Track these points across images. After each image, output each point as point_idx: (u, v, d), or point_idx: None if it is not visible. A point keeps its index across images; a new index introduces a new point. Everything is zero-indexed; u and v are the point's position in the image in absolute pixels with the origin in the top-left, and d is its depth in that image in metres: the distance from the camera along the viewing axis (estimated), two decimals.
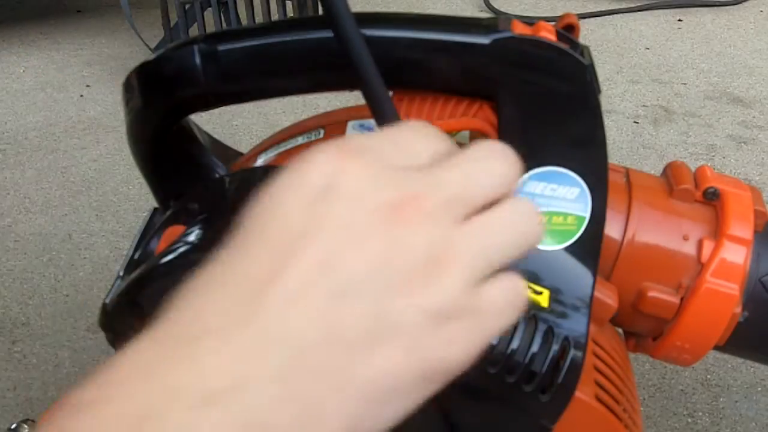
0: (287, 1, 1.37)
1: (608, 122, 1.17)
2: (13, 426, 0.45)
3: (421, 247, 0.24)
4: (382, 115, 0.35)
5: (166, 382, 0.22)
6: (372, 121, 0.42)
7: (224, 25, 1.36)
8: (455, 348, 0.24)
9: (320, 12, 0.35)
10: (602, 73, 1.40)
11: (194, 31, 1.37)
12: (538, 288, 0.38)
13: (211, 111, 0.45)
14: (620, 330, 0.49)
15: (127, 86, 0.45)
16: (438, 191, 0.25)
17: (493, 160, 0.27)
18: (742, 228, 0.44)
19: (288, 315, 0.23)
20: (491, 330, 0.25)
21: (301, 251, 0.23)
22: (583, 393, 0.39)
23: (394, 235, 0.24)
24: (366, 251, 0.24)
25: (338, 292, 0.23)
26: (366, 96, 0.35)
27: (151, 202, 0.49)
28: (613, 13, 1.71)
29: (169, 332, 0.24)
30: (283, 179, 0.26)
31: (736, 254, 0.44)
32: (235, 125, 1.26)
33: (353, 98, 0.39)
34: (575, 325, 0.38)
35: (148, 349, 0.24)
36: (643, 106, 1.32)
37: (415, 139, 0.27)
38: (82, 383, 0.23)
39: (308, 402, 0.22)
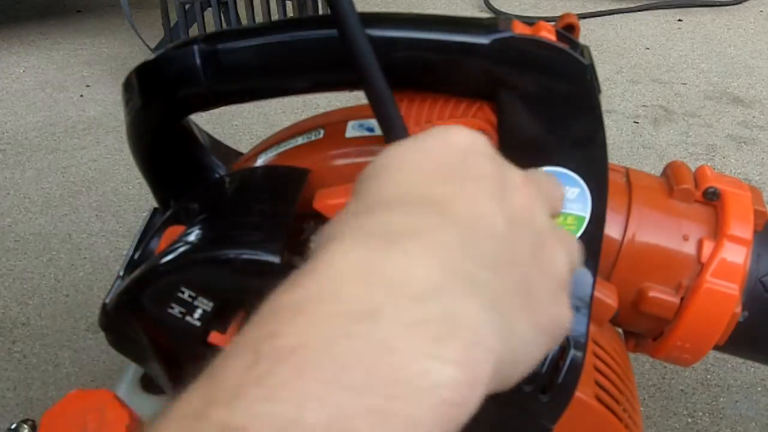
0: (287, 1, 1.37)
1: (608, 122, 1.17)
2: (13, 426, 0.45)
3: (543, 218, 0.28)
4: (385, 116, 0.35)
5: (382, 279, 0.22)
6: (372, 121, 0.42)
7: (224, 25, 1.36)
8: (568, 311, 0.28)
9: (320, 12, 0.35)
10: (602, 73, 1.40)
11: (194, 31, 1.37)
12: None
13: (211, 111, 0.45)
14: (620, 330, 0.49)
15: (127, 86, 0.45)
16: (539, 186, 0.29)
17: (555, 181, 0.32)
18: (742, 228, 0.44)
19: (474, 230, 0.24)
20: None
21: (469, 180, 0.26)
22: (583, 393, 0.39)
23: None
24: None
25: (514, 222, 0.26)
26: (369, 97, 0.35)
27: (151, 202, 0.49)
28: (613, 13, 1.71)
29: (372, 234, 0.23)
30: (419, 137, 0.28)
31: (736, 254, 0.44)
32: (235, 125, 1.26)
33: (353, 98, 0.39)
34: (575, 325, 0.38)
35: (352, 248, 0.23)
36: (643, 106, 1.32)
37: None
38: (282, 287, 0.22)
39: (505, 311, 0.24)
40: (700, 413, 0.75)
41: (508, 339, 0.23)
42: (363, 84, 0.36)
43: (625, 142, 1.21)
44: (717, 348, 0.47)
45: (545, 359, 0.37)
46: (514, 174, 0.28)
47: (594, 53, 0.40)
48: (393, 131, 0.35)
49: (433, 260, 0.22)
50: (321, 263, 0.22)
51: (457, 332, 0.21)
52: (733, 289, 0.44)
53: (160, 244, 0.43)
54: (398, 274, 0.22)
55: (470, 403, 0.21)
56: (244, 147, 0.52)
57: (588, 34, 1.59)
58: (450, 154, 0.26)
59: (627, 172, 0.48)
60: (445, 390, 0.20)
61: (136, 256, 0.45)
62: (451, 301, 0.22)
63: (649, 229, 0.45)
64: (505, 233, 0.25)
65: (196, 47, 0.41)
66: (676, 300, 0.44)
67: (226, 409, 0.19)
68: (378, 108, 0.35)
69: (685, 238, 0.45)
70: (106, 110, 1.34)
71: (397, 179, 0.26)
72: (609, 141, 0.40)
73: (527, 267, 0.26)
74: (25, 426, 0.45)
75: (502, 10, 1.75)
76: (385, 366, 0.20)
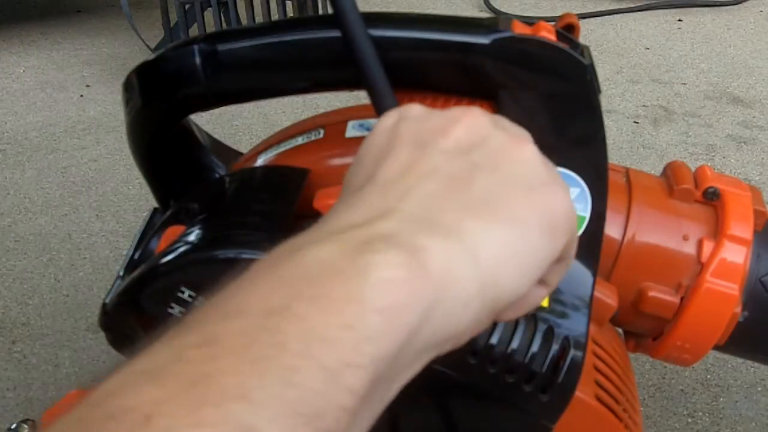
0: (287, 1, 1.37)
1: (608, 122, 1.17)
2: (13, 426, 0.45)
3: (497, 131, 0.29)
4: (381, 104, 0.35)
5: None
6: (372, 121, 0.42)
7: (224, 25, 1.36)
8: (562, 194, 0.28)
9: (320, 12, 0.36)
10: (602, 73, 1.40)
11: (194, 31, 1.37)
12: None
13: (211, 111, 0.45)
14: (620, 330, 0.49)
15: (127, 86, 0.45)
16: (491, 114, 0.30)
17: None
18: (741, 228, 0.44)
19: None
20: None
21: (395, 150, 0.28)
22: (583, 393, 0.39)
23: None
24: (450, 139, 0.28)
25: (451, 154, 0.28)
26: (371, 96, 0.35)
27: (151, 202, 0.49)
28: (613, 13, 1.71)
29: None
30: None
31: (736, 254, 0.44)
32: (235, 125, 1.26)
33: (353, 98, 0.39)
34: (575, 324, 0.38)
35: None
36: (643, 106, 1.32)
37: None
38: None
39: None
40: (700, 413, 0.75)
41: (478, 248, 0.25)
42: (364, 82, 0.36)
43: (625, 142, 1.21)
44: (717, 348, 0.47)
45: (545, 359, 0.37)
46: (440, 118, 0.29)
47: (594, 53, 0.40)
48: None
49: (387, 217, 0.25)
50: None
51: (395, 246, 0.23)
52: (733, 289, 0.44)
53: (160, 244, 0.43)
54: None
55: (418, 301, 0.23)
56: (244, 147, 0.52)
57: (588, 34, 1.59)
58: (381, 137, 0.29)
59: (627, 172, 0.48)
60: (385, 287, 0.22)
61: (136, 256, 0.45)
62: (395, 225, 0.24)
63: (649, 229, 0.45)
64: (442, 170, 0.27)
65: (196, 47, 0.41)
66: (676, 300, 0.44)
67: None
68: (379, 105, 0.35)
69: (685, 238, 0.45)
70: (106, 110, 1.34)
71: (352, 173, 0.30)
72: (609, 141, 0.40)
73: (485, 182, 0.27)
74: (25, 426, 0.45)
75: (502, 10, 1.75)
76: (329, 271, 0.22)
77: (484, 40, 0.38)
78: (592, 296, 0.39)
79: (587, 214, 0.39)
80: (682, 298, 0.45)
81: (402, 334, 0.22)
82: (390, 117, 0.30)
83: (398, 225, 0.24)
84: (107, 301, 0.42)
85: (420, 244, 0.23)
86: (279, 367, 0.20)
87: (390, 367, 0.22)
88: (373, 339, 0.21)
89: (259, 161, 0.47)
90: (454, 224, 0.25)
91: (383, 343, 0.21)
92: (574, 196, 0.40)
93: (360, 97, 0.37)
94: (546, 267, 0.27)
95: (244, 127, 1.26)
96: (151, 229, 0.46)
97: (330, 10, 0.36)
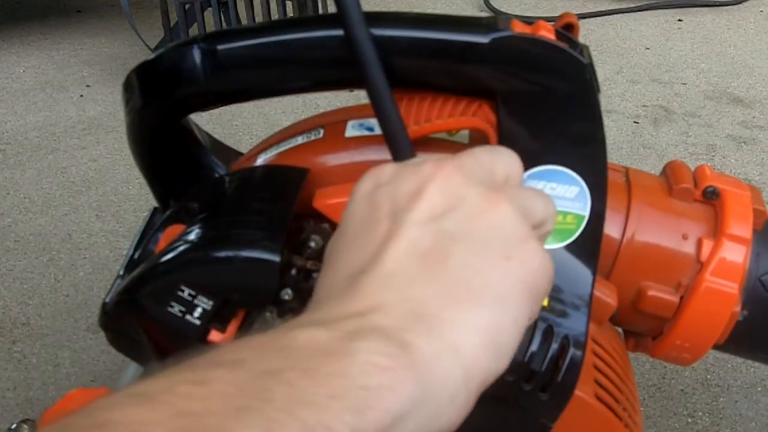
0: (287, 1, 1.37)
1: (608, 122, 1.17)
2: (13, 426, 0.45)
3: (471, 189, 0.29)
4: (385, 117, 0.35)
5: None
6: (372, 121, 0.42)
7: (224, 25, 1.36)
8: (539, 256, 0.28)
9: (320, 12, 0.36)
10: (602, 73, 1.40)
11: (194, 31, 1.37)
12: None
13: (211, 111, 0.45)
14: (620, 330, 0.49)
15: (127, 86, 0.45)
16: (466, 157, 0.30)
17: (503, 150, 0.32)
18: (741, 227, 0.44)
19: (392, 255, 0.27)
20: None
21: (374, 225, 0.29)
22: (583, 392, 0.40)
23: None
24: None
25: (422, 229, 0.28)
26: (370, 95, 0.35)
27: (151, 202, 0.49)
28: (613, 13, 1.71)
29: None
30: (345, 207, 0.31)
31: (736, 253, 0.44)
32: (235, 125, 1.26)
33: (353, 98, 0.39)
34: (575, 323, 0.38)
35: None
36: (643, 106, 1.32)
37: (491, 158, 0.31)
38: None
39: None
40: (700, 413, 0.75)
41: (461, 343, 0.25)
42: (364, 82, 0.36)
43: (625, 142, 1.21)
44: (717, 347, 0.47)
45: (545, 358, 0.37)
46: (412, 179, 0.29)
47: (594, 53, 0.40)
48: (391, 130, 0.35)
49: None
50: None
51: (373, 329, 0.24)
52: (732, 288, 0.44)
53: (160, 243, 0.43)
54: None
55: (404, 390, 0.23)
56: (244, 147, 0.52)
57: (588, 34, 1.59)
58: (360, 207, 0.30)
59: (626, 172, 0.48)
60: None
61: (136, 256, 0.45)
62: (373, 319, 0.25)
63: (649, 229, 0.45)
64: (418, 245, 0.27)
65: (196, 47, 0.41)
66: (675, 299, 0.45)
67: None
68: (377, 105, 0.35)
69: (685, 237, 0.45)
70: (106, 110, 1.34)
71: (335, 245, 0.30)
72: (609, 141, 0.40)
73: (460, 255, 0.27)
74: (25, 426, 0.45)
75: (502, 10, 1.75)
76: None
77: (483, 39, 0.38)
78: (591, 295, 0.39)
79: (587, 214, 0.39)
80: (681, 298, 0.45)
81: (385, 415, 0.23)
82: (366, 183, 0.31)
83: (386, 321, 0.25)
84: (107, 300, 0.42)
85: (407, 340, 0.24)
86: (262, 417, 0.21)
87: None
88: (355, 411, 0.22)
89: (259, 161, 0.48)
90: (437, 317, 0.26)
91: (365, 418, 0.22)
92: (573, 196, 0.40)
93: (360, 97, 0.37)
94: (525, 329, 0.28)
95: (244, 127, 1.26)
96: (151, 229, 0.46)
97: (330, 10, 0.36)
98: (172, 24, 1.38)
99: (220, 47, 0.41)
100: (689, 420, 0.74)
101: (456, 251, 0.27)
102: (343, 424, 0.22)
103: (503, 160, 0.31)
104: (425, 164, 0.29)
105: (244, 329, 0.40)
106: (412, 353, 0.24)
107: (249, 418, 0.21)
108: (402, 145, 0.35)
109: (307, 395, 0.22)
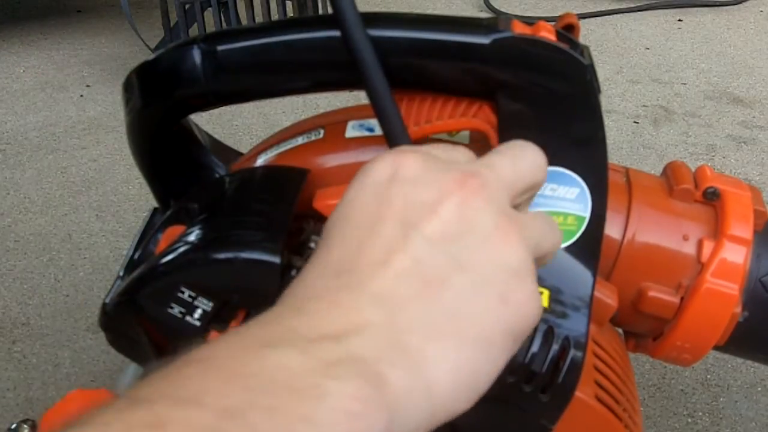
0: (287, 1, 1.37)
1: (608, 122, 1.17)
2: (13, 426, 0.45)
3: (488, 217, 0.28)
4: (385, 116, 0.35)
5: (282, 327, 0.25)
6: (372, 121, 0.42)
7: (224, 25, 1.36)
8: (533, 302, 0.28)
9: (320, 12, 0.35)
10: (602, 73, 1.40)
11: (194, 31, 1.37)
12: (538, 288, 0.38)
13: (211, 111, 0.45)
14: (620, 330, 0.49)
15: (127, 86, 0.45)
16: (491, 172, 0.29)
17: (530, 151, 0.31)
18: (742, 228, 0.44)
19: (379, 275, 0.26)
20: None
21: (380, 226, 0.27)
22: (583, 393, 0.39)
23: (461, 204, 0.27)
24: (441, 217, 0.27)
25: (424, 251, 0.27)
26: (369, 95, 0.35)
27: (151, 202, 0.49)
28: (613, 13, 1.71)
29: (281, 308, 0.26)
30: (352, 181, 0.29)
31: (736, 254, 0.44)
32: (235, 125, 1.26)
33: (353, 98, 0.39)
34: (575, 324, 0.38)
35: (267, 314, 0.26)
36: (643, 106, 1.32)
37: (457, 149, 0.31)
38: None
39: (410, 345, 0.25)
40: (700, 413, 0.75)
41: (436, 382, 0.25)
42: (363, 83, 0.36)
43: (625, 142, 1.21)
44: (717, 348, 0.47)
45: (545, 359, 0.37)
46: (433, 188, 0.28)
47: (594, 53, 0.40)
48: (392, 131, 0.35)
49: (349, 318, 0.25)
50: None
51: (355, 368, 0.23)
52: (733, 289, 0.44)
53: (160, 244, 0.43)
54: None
55: (375, 419, 0.23)
56: (244, 147, 0.52)
57: (588, 34, 1.59)
58: (369, 195, 0.28)
59: (627, 172, 0.48)
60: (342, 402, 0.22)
61: (136, 256, 0.45)
62: (357, 344, 0.24)
63: (649, 229, 0.45)
64: (421, 267, 0.26)
65: (196, 47, 0.41)
66: (675, 300, 0.44)
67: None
68: (378, 106, 0.35)
69: (685, 238, 0.45)
70: (106, 110, 1.34)
71: (334, 224, 0.29)
72: (609, 141, 0.40)
73: (459, 285, 0.26)
74: (25, 426, 0.45)
75: (502, 10, 1.75)
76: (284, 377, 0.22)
77: (484, 40, 0.38)
78: (592, 296, 0.39)
79: (587, 214, 0.39)
80: (682, 298, 0.45)
81: None
82: (384, 169, 0.29)
83: (365, 348, 0.24)
84: (107, 301, 0.42)
85: (383, 374, 0.24)
86: None
87: None
88: None
89: (259, 161, 0.47)
90: (419, 350, 0.25)
91: None
92: (574, 196, 0.40)
93: (360, 97, 0.37)
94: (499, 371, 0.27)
95: (244, 127, 1.26)
96: (151, 229, 0.46)
97: (330, 11, 0.36)
98: (172, 24, 1.38)
99: (221, 48, 0.41)
100: (689, 420, 0.74)
101: (456, 281, 0.26)
102: None
103: (526, 169, 0.30)
104: (449, 174, 0.28)
105: None
106: (385, 390, 0.23)
107: None
108: (403, 144, 0.35)
109: None
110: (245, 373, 0.22)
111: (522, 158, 0.31)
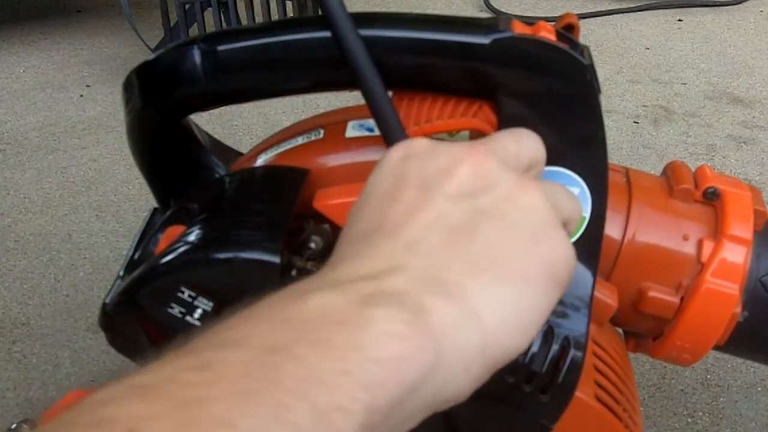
0: (287, 1, 1.37)
1: (608, 122, 1.17)
2: (13, 426, 0.45)
3: (504, 174, 0.28)
4: (382, 116, 0.35)
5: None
6: (372, 121, 0.42)
7: (224, 25, 1.36)
8: (565, 246, 0.28)
9: (320, 12, 0.35)
10: (602, 73, 1.40)
11: (194, 31, 1.37)
12: None
13: (211, 111, 0.45)
14: (620, 330, 0.49)
15: (127, 86, 0.45)
16: (497, 143, 0.30)
17: (527, 133, 0.32)
18: (742, 228, 0.44)
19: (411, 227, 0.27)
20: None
21: (400, 193, 0.28)
22: (583, 393, 0.39)
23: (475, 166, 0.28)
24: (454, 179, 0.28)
25: (456, 200, 0.27)
26: (365, 96, 0.35)
27: (151, 202, 0.49)
28: (613, 13, 1.71)
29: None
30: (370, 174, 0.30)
31: (736, 254, 0.44)
32: (235, 125, 1.26)
33: (353, 98, 0.39)
34: (575, 325, 0.38)
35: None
36: (643, 106, 1.32)
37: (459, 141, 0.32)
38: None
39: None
40: (700, 413, 0.75)
41: (482, 311, 0.25)
42: (359, 85, 0.36)
43: (625, 142, 1.21)
44: (717, 348, 0.47)
45: (545, 359, 0.37)
46: (445, 156, 0.29)
47: (594, 53, 0.40)
48: (390, 132, 0.35)
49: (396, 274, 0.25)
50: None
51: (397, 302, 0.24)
52: (733, 289, 0.44)
53: (160, 244, 0.43)
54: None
55: (419, 359, 0.23)
56: (244, 147, 0.52)
57: (588, 34, 1.59)
58: (387, 175, 0.29)
59: (627, 172, 0.48)
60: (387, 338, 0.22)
61: (136, 256, 0.45)
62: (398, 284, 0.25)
63: (649, 229, 0.45)
64: (447, 218, 0.27)
65: (196, 47, 0.41)
66: (676, 300, 0.44)
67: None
68: (374, 106, 0.35)
69: (685, 238, 0.45)
70: (106, 110, 1.33)
71: (359, 208, 0.29)
72: (609, 141, 0.40)
73: (489, 232, 0.27)
74: (25, 426, 0.45)
75: (502, 10, 1.75)
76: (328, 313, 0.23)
77: (484, 40, 0.38)
78: (592, 296, 0.39)
79: (587, 214, 0.39)
80: (682, 298, 0.45)
81: (399, 389, 0.22)
82: (396, 152, 0.30)
83: (404, 283, 0.24)
84: (107, 301, 0.42)
85: (425, 304, 0.24)
86: (270, 402, 0.20)
87: (384, 419, 0.22)
88: (369, 387, 0.21)
89: (259, 161, 0.47)
90: (459, 284, 0.25)
91: (379, 393, 0.21)
92: None
93: (360, 98, 0.37)
94: (547, 317, 0.27)
95: (244, 127, 1.26)
96: (151, 229, 0.46)
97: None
98: (172, 24, 1.38)
99: (221, 48, 0.41)
100: (689, 420, 0.74)
101: (485, 227, 0.27)
102: (356, 402, 0.21)
103: (527, 146, 0.31)
104: (457, 145, 0.29)
105: None
106: (429, 318, 0.23)
107: (256, 404, 0.20)
108: (397, 136, 0.35)
109: (318, 372, 0.21)
110: (288, 317, 0.23)
111: (522, 137, 0.32)
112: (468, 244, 0.26)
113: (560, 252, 0.28)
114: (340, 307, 0.23)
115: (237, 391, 0.20)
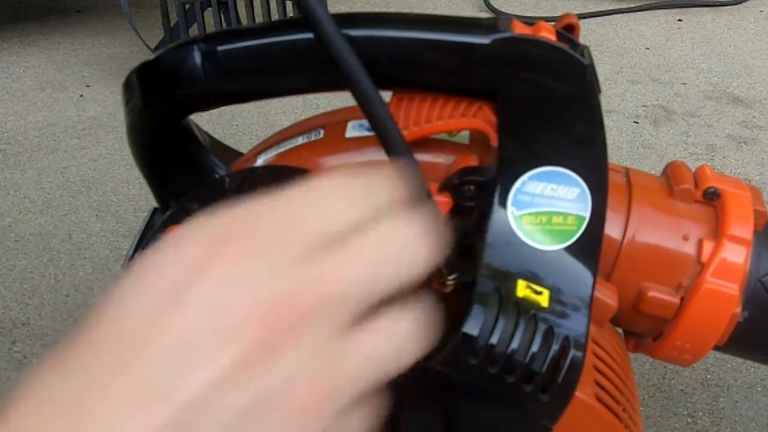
0: (287, 1, 1.37)
1: (608, 122, 1.17)
2: None
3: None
4: (374, 116, 0.35)
5: None
6: None
7: (224, 25, 1.36)
8: None
9: (300, 15, 0.35)
10: (602, 73, 1.40)
11: (194, 31, 1.37)
12: (538, 288, 0.38)
13: (211, 111, 0.45)
14: (620, 330, 0.49)
15: (127, 86, 0.45)
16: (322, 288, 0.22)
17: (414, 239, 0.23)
18: (742, 228, 0.44)
19: None
20: None
21: (137, 363, 0.21)
22: (583, 393, 0.39)
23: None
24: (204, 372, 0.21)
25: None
26: (356, 96, 0.35)
27: (151, 202, 0.49)
28: (613, 13, 1.71)
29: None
30: (140, 266, 0.23)
31: (736, 254, 0.44)
32: (235, 125, 1.26)
33: (353, 98, 0.39)
34: (575, 324, 0.38)
35: None
36: (643, 106, 1.32)
37: (327, 203, 0.23)
38: None
39: None
40: (700, 413, 0.75)
41: None
42: (350, 89, 0.35)
43: (625, 142, 1.21)
44: (717, 348, 0.47)
45: (545, 359, 0.37)
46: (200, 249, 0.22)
47: (594, 53, 0.40)
48: (386, 133, 0.35)
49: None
50: None
51: None
52: (733, 289, 0.44)
53: None
54: None
55: None
56: (244, 147, 0.52)
57: (588, 34, 1.59)
58: (139, 312, 0.23)
59: (627, 172, 0.48)
60: None
61: (136, 257, 0.45)
62: None
63: (649, 229, 0.45)
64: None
65: (196, 47, 0.41)
66: (676, 300, 0.44)
67: None
68: (366, 109, 0.35)
69: (685, 238, 0.45)
70: (106, 110, 1.34)
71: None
72: (609, 141, 0.40)
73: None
74: None
75: (502, 10, 1.75)
76: None
77: (483, 40, 0.38)
78: (592, 296, 0.39)
79: (587, 215, 0.39)
80: (682, 298, 0.44)
81: None
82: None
83: None
84: None
85: None
86: None
87: None
88: None
89: (259, 161, 0.47)
90: None
91: None
92: (574, 197, 0.40)
93: None
94: None
95: (244, 127, 1.26)
96: (151, 230, 0.46)
97: (331, 11, 0.36)
98: (172, 24, 1.38)
99: (221, 48, 0.41)
100: (689, 420, 0.74)
101: None
102: None
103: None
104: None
105: None
106: None
107: None
108: (392, 136, 0.34)
109: None
110: None
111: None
112: None
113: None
114: None
115: None
